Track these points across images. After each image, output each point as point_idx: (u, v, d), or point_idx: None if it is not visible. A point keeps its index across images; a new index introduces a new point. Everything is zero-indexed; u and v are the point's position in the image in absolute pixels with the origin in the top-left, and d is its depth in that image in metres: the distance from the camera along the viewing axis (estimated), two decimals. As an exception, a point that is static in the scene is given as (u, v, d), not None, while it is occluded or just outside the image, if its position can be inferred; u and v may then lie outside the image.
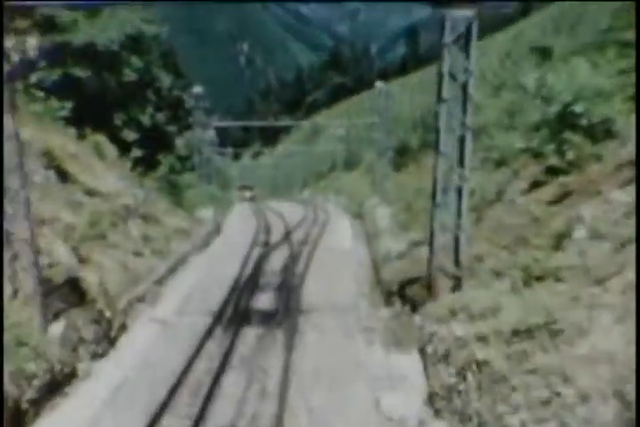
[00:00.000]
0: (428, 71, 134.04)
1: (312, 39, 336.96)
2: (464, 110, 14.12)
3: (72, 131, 30.42)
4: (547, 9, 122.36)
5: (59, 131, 28.64)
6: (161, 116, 44.14)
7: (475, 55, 13.71)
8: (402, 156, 47.55)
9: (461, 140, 14.30)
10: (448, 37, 13.52)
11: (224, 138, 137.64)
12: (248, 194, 74.52)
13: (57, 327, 12.89)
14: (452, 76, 13.93)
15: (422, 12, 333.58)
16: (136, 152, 32.96)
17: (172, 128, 44.81)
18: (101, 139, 32.15)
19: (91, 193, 23.76)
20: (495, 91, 46.71)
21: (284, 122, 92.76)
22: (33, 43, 15.09)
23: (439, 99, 14.07)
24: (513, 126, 25.63)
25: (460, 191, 14.38)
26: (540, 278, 10.57)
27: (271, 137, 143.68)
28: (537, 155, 19.01)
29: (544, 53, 34.59)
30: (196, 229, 30.41)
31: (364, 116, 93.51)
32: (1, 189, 12.49)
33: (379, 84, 36.12)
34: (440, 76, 13.93)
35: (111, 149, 32.20)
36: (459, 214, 14.37)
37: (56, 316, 13.20)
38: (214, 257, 26.62)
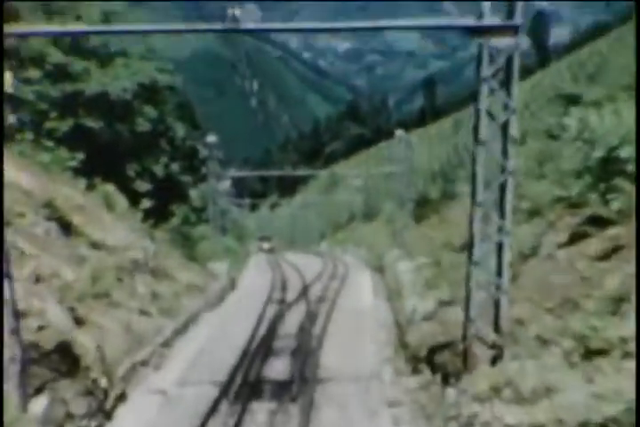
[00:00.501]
0: (445, 122, 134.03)
1: (330, 92, 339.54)
2: (504, 153, 12.66)
3: (81, 181, 29.28)
4: (565, 59, 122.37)
5: (66, 181, 27.47)
6: (175, 167, 43.07)
7: (517, 91, 12.32)
8: (422, 207, 46.18)
9: (502, 188, 12.81)
10: (486, 70, 12.16)
11: (241, 189, 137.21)
12: (267, 245, 73.36)
13: (39, 403, 11.31)
14: (491, 115, 12.52)
15: (438, 65, 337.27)
16: (148, 203, 31.67)
17: (186, 178, 43.69)
18: (111, 189, 30.95)
19: (96, 246, 22.41)
20: (520, 139, 45.58)
21: (302, 171, 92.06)
22: (8, 78, 13.67)
23: (476, 140, 12.66)
24: (543, 174, 24.18)
25: (500, 246, 12.81)
26: (601, 352, 8.92)
27: (289, 188, 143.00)
28: (574, 204, 17.53)
29: (571, 100, 33.22)
30: (210, 285, 28.92)
31: (383, 167, 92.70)
32: (1, 203, 11.06)
33: (399, 132, 34.94)
34: (477, 114, 12.55)
35: (122, 200, 30.97)
36: (498, 273, 12.78)
37: (40, 389, 11.62)
38: (226, 316, 24.95)
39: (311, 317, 23.11)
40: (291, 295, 28.79)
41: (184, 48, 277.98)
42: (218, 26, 12.42)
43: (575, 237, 16.01)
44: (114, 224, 26.37)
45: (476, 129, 12.66)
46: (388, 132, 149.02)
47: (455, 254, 23.06)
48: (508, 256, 12.79)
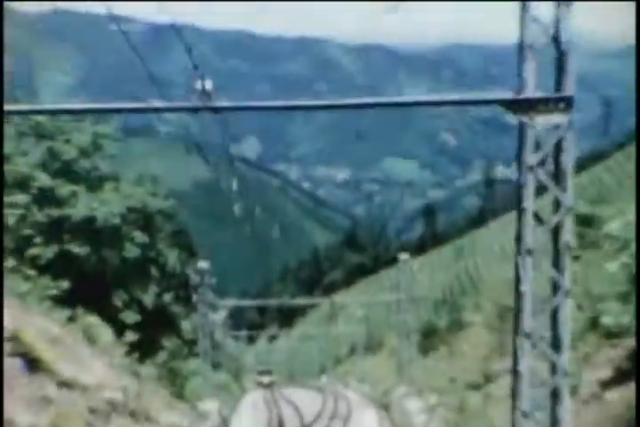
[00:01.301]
0: (446, 249, 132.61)
1: (329, 221, 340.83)
2: (557, 266, 10.21)
3: (62, 312, 26.97)
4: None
5: (44, 312, 25.14)
6: (166, 296, 40.82)
7: (571, 185, 10.10)
8: (428, 337, 43.52)
9: (553, 315, 10.34)
10: (531, 158, 9.92)
11: (239, 320, 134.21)
12: (266, 380, 69.81)
13: None
14: (538, 218, 10.18)
15: (437, 194, 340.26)
16: (133, 335, 29.17)
17: (177, 309, 41.29)
18: (94, 321, 28.55)
19: (67, 385, 19.72)
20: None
21: (300, 300, 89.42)
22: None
23: (521, 250, 10.18)
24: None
25: (556, 394, 10.18)
26: None
27: (288, 319, 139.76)
28: (612, 334, 15.17)
29: (585, 221, 31.29)
30: (198, 427, 25.97)
31: (385, 295, 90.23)
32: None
33: (403, 256, 32.77)
34: (521, 216, 10.12)
35: (105, 333, 28.50)
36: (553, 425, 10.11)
37: None
38: None
39: None
40: None
41: (186, 179, 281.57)
42: (186, 103, 10.27)
43: (622, 376, 13.52)
44: (92, 360, 23.80)
45: (519, 236, 10.18)
46: (387, 260, 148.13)
47: (473, 394, 20.47)
48: (568, 404, 10.09)
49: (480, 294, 71.95)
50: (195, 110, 10.06)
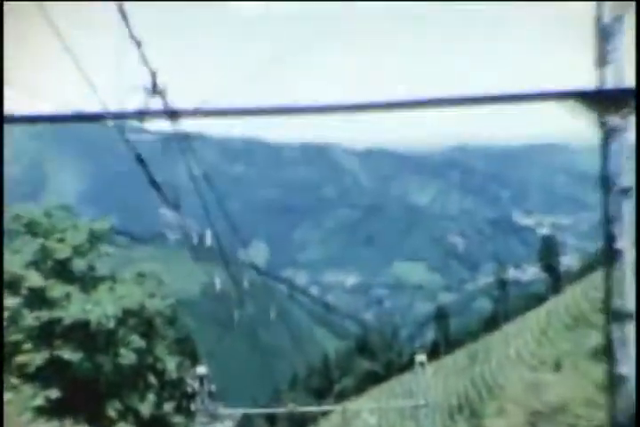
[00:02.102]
0: (460, 354, 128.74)
1: (338, 327, 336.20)
2: None
3: (46, 424, 24.57)
4: (578, 284, 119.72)
5: (23, 425, 22.76)
6: (167, 406, 38.21)
7: None
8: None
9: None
10: (623, 176, 7.76)
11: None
12: None
13: None
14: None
15: (447, 298, 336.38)
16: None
17: (177, 419, 38.56)
18: (83, 434, 26.06)
19: None
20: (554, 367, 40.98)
21: (310, 408, 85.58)
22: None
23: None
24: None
25: None
26: None
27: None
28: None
29: (617, 316, 29.02)
30: None
31: (401, 402, 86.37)
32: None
33: (419, 357, 30.32)
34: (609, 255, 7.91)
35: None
36: None
37: None
38: None
39: None
40: None
41: (193, 286, 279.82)
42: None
43: None
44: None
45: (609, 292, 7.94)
46: (400, 367, 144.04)
47: None
48: None
49: (499, 398, 68.53)
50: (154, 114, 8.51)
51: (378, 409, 66.23)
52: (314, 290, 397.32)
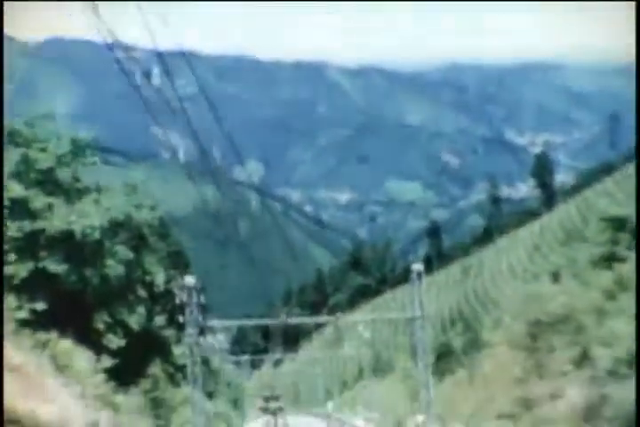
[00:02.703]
0: (453, 269, 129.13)
1: (332, 243, 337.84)
2: None
3: (31, 336, 23.64)
4: (572, 201, 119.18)
5: (6, 337, 21.73)
6: (159, 319, 37.47)
7: None
8: (442, 360, 39.92)
9: None
10: None
11: (243, 345, 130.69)
12: (273, 406, 65.49)
13: None
14: None
15: (440, 214, 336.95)
16: (109, 362, 25.71)
17: (168, 332, 37.88)
18: (68, 346, 25.10)
19: (20, 424, 16.41)
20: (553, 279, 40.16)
21: (301, 319, 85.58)
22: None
23: None
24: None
25: None
26: None
27: (292, 343, 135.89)
28: None
29: (618, 224, 27.87)
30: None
31: (395, 314, 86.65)
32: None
33: (415, 266, 29.22)
34: None
35: (79, 359, 25.04)
36: None
37: None
38: None
39: None
40: None
41: (186, 203, 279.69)
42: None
43: None
44: (58, 391, 20.38)
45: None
46: (393, 282, 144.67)
47: (508, 424, 17.04)
48: None
49: (493, 312, 68.47)
50: None
51: (372, 323, 65.97)
52: (308, 207, 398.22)
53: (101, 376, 24.71)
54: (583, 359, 16.72)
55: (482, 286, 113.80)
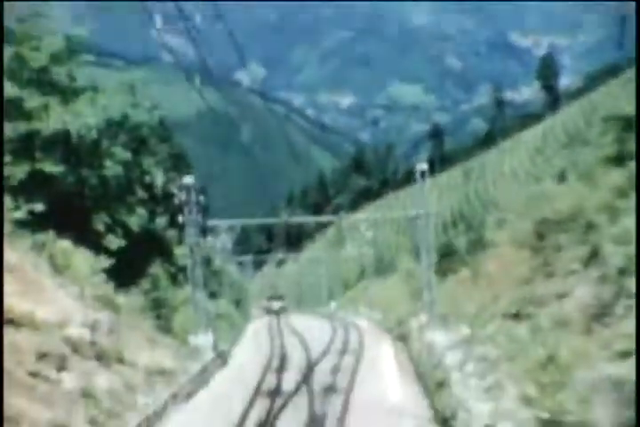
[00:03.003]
0: (454, 171, 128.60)
1: (335, 147, 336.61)
2: None
3: (28, 237, 23.17)
4: (576, 104, 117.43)
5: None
6: (160, 220, 37.10)
7: None
8: (446, 259, 39.66)
9: None
10: None
11: (246, 246, 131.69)
12: (277, 305, 66.18)
13: None
14: None
15: (441, 117, 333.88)
16: (113, 262, 25.36)
17: (170, 233, 37.59)
18: (67, 246, 24.66)
19: (16, 323, 16.08)
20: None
21: (303, 218, 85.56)
22: None
23: None
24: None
25: None
26: None
27: (295, 243, 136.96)
28: None
29: (624, 124, 26.84)
30: (187, 366, 22.27)
31: (398, 213, 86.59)
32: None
33: (419, 165, 28.45)
34: None
35: (78, 259, 24.64)
36: None
37: None
38: (191, 425, 17.37)
39: (316, 422, 15.92)
40: (289, 382, 21.58)
41: (189, 108, 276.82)
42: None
43: None
44: (56, 291, 20.06)
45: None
46: (395, 185, 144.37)
47: (514, 324, 16.67)
48: None
49: (495, 213, 68.13)
50: None
51: (374, 223, 65.66)
52: (310, 111, 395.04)
53: (101, 277, 24.37)
54: (593, 258, 16.23)
55: (483, 188, 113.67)
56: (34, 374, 13.67)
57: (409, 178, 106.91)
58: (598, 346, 10.76)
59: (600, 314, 12.52)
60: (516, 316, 17.50)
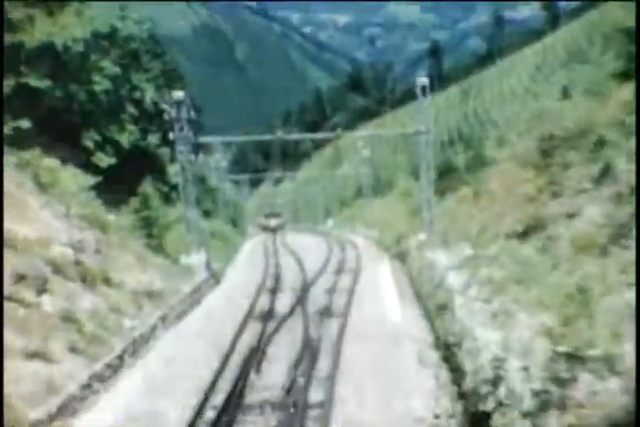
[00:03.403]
0: (452, 90, 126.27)
1: (331, 65, 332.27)
2: None
3: (11, 154, 22.19)
4: (576, 21, 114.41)
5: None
6: (152, 137, 36.10)
7: None
8: (445, 177, 38.81)
9: None
10: None
11: (243, 165, 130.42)
12: (274, 222, 65.54)
13: None
14: None
15: (439, 36, 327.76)
16: (92, 180, 24.45)
17: (163, 151, 36.63)
18: (53, 164, 23.68)
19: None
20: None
21: (297, 136, 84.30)
22: None
23: None
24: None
25: None
26: None
27: (292, 163, 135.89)
28: None
29: (626, 37, 25.62)
30: (178, 287, 21.59)
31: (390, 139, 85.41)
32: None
33: (420, 80, 27.19)
34: None
35: (66, 178, 23.70)
36: None
37: None
38: (180, 349, 16.26)
39: (310, 350, 14.86)
40: (283, 305, 20.56)
41: (184, 26, 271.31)
42: None
43: None
44: (40, 210, 19.23)
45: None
46: (392, 104, 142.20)
47: (520, 244, 15.91)
48: None
49: (494, 131, 67.09)
50: None
51: (371, 141, 64.50)
52: (307, 29, 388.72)
53: (89, 195, 23.52)
54: (604, 176, 15.31)
55: (482, 107, 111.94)
56: (9, 298, 12.90)
57: (407, 97, 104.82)
58: (617, 270, 9.95)
59: (615, 235, 11.67)
60: (521, 235, 16.70)
